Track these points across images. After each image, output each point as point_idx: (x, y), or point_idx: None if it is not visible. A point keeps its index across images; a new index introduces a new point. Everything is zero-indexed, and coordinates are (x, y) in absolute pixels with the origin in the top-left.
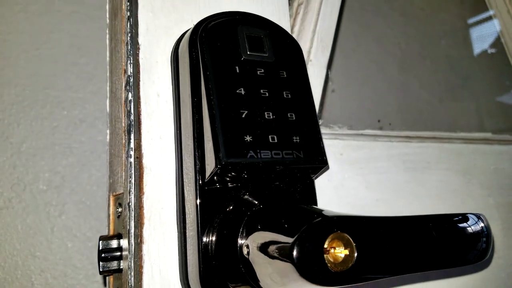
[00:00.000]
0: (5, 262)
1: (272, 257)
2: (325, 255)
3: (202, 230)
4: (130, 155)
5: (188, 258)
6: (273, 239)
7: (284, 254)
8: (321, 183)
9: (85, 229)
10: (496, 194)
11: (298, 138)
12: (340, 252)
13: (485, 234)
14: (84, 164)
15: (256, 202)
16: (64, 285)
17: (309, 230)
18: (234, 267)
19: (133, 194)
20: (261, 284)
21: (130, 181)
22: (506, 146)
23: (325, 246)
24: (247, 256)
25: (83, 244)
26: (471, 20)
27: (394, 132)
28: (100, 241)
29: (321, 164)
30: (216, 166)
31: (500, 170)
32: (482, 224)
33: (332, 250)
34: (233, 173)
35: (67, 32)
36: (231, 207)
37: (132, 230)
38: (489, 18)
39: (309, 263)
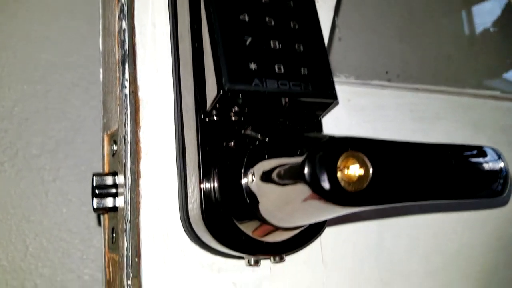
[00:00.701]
0: None
1: (280, 180)
2: (338, 174)
3: (203, 164)
4: (125, 86)
5: (188, 194)
6: (281, 163)
7: (294, 173)
8: (327, 129)
9: (80, 193)
10: (504, 150)
11: (306, 70)
12: (354, 172)
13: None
14: (78, 129)
15: (260, 136)
16: (59, 249)
17: (321, 147)
18: (239, 200)
19: (128, 127)
20: (267, 215)
21: (125, 113)
22: None
23: (339, 164)
24: (252, 185)
25: (78, 209)
26: None
27: (403, 84)
28: (94, 177)
29: (330, 98)
30: (218, 92)
31: (509, 127)
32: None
33: (346, 171)
34: (236, 102)
35: None
36: (234, 141)
37: (129, 164)
38: None
39: (322, 180)
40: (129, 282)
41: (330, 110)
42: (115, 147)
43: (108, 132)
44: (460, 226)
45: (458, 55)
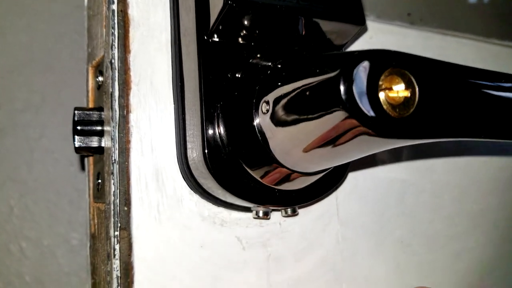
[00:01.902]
0: None
1: (303, 106)
2: (380, 95)
3: (205, 96)
4: (113, 1)
5: (187, 132)
6: (304, 84)
7: (323, 94)
8: None
9: (68, 153)
10: None
11: None
12: (399, 93)
13: None
14: (65, 82)
15: (272, 64)
16: (46, 211)
17: (358, 59)
18: (248, 138)
19: (116, 50)
20: (282, 155)
21: (112, 33)
22: None
23: (381, 83)
24: (265, 118)
25: (66, 168)
26: None
27: (427, 28)
28: (76, 111)
29: (358, 23)
30: (225, 5)
31: None
32: None
33: (388, 92)
34: (245, 21)
35: None
36: (244, 70)
37: (116, 94)
38: None
39: (361, 101)
40: (117, 233)
41: (354, 40)
42: (100, 78)
43: (93, 63)
44: (487, 187)
45: (486, 2)
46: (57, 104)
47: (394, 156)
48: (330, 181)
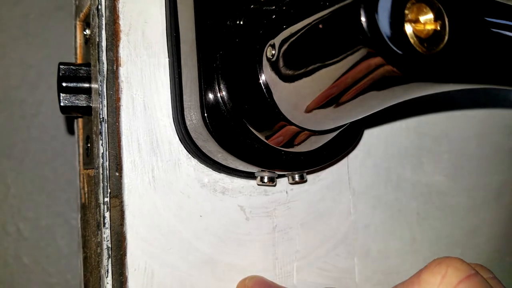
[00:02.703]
0: None
1: (315, 43)
2: (406, 26)
3: (203, 45)
4: None
5: (184, 89)
6: (316, 18)
7: (339, 26)
8: None
9: (65, 130)
10: None
11: None
12: (426, 25)
13: None
14: (62, 57)
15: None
16: (44, 189)
17: None
18: (252, 90)
19: None
20: (290, 108)
21: None
22: None
23: (406, 12)
24: (271, 65)
25: (62, 145)
26: None
27: None
28: (61, 66)
29: None
30: None
31: None
32: None
33: (415, 25)
34: None
35: None
36: (245, 16)
37: (104, 44)
38: None
39: (385, 32)
40: (106, 199)
41: None
42: (88, 31)
43: (81, 15)
44: (508, 158)
45: None
46: (53, 80)
47: (410, 121)
48: (343, 144)
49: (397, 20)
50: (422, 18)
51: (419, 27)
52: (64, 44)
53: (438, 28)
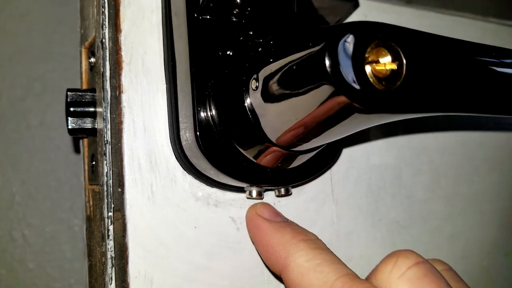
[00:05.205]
0: None
1: (291, 80)
2: (366, 67)
3: (196, 75)
4: None
5: (180, 112)
6: (291, 59)
7: (309, 68)
8: None
9: (69, 139)
10: None
11: None
12: (385, 66)
13: None
14: (66, 69)
15: (263, 41)
16: (48, 197)
17: (344, 31)
18: (239, 116)
19: (107, 30)
20: (272, 131)
21: (103, 12)
22: None
23: (367, 55)
24: (255, 95)
25: (66, 156)
26: None
27: (423, 6)
28: (69, 93)
29: None
30: None
31: None
32: None
33: (375, 65)
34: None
35: None
36: (234, 47)
37: (108, 74)
38: None
39: (346, 74)
40: (110, 214)
41: (347, 18)
42: (92, 59)
43: (86, 44)
44: (484, 167)
45: None
46: (57, 90)
47: (390, 136)
48: (324, 159)
49: (358, 62)
50: (381, 60)
51: (379, 67)
52: (67, 57)
53: (396, 68)
